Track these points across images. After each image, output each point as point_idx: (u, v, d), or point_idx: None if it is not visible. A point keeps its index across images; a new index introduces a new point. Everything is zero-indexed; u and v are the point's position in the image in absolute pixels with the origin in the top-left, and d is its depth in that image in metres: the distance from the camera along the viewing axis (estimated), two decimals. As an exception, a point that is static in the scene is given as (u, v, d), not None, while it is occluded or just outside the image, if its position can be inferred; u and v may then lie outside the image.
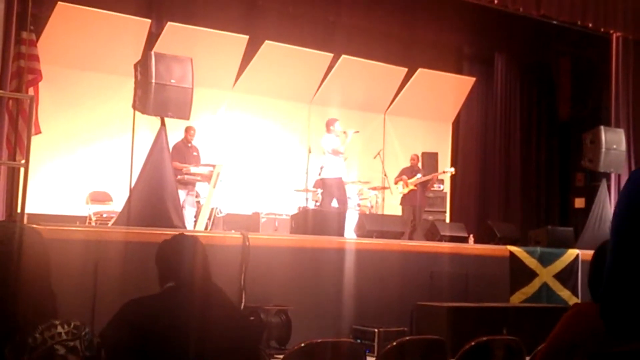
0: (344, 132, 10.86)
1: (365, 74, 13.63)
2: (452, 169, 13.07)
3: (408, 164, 12.68)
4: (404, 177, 12.29)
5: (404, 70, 14.03)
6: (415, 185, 12.21)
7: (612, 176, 11.86)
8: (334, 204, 10.66)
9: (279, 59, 12.78)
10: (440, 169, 13.61)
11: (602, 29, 12.36)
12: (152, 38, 11.78)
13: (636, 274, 1.49)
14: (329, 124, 10.92)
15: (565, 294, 9.85)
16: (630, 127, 12.20)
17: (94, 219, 10.40)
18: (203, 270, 3.06)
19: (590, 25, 12.14)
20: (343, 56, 13.31)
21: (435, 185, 13.22)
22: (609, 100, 12.60)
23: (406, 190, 12.21)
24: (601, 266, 3.51)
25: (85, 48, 11.55)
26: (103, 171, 11.48)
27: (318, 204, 11.32)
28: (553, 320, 3.48)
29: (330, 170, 10.76)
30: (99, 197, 10.98)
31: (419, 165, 12.82)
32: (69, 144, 11.62)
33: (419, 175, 12.34)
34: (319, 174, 11.07)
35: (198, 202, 10.36)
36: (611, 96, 12.52)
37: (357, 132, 11.24)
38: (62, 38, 11.28)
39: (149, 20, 11.86)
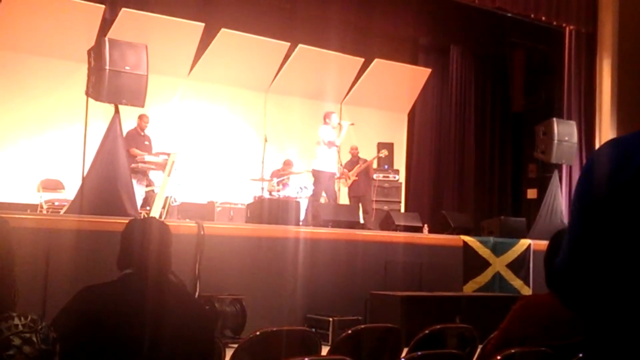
0: (339, 124, 11.43)
1: (322, 64, 13.60)
2: (383, 154, 13.08)
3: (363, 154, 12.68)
4: (345, 170, 12.25)
5: (361, 60, 14.04)
6: (356, 176, 12.24)
7: (564, 168, 12.03)
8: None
9: (236, 47, 12.68)
10: (395, 160, 13.69)
11: (554, 22, 12.52)
12: (106, 24, 11.57)
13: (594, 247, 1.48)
14: (326, 117, 11.37)
15: (517, 283, 10.00)
16: (581, 119, 12.36)
17: (45, 207, 10.23)
18: (164, 257, 3.02)
19: (543, 18, 12.29)
20: (300, 45, 13.27)
21: (390, 176, 13.27)
22: (562, 92, 12.76)
23: (349, 182, 12.25)
24: (557, 254, 3.59)
25: (37, 33, 11.31)
26: (55, 159, 11.29)
27: (275, 193, 11.35)
28: (505, 309, 3.54)
29: (324, 163, 11.25)
30: (51, 185, 10.78)
31: (359, 155, 12.74)
32: (20, 130, 11.39)
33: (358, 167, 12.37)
34: (312, 164, 11.46)
35: (152, 190, 10.26)
36: (563, 88, 12.69)
37: (353, 124, 11.80)
38: (14, 22, 11.05)
39: (103, 6, 11.65)
